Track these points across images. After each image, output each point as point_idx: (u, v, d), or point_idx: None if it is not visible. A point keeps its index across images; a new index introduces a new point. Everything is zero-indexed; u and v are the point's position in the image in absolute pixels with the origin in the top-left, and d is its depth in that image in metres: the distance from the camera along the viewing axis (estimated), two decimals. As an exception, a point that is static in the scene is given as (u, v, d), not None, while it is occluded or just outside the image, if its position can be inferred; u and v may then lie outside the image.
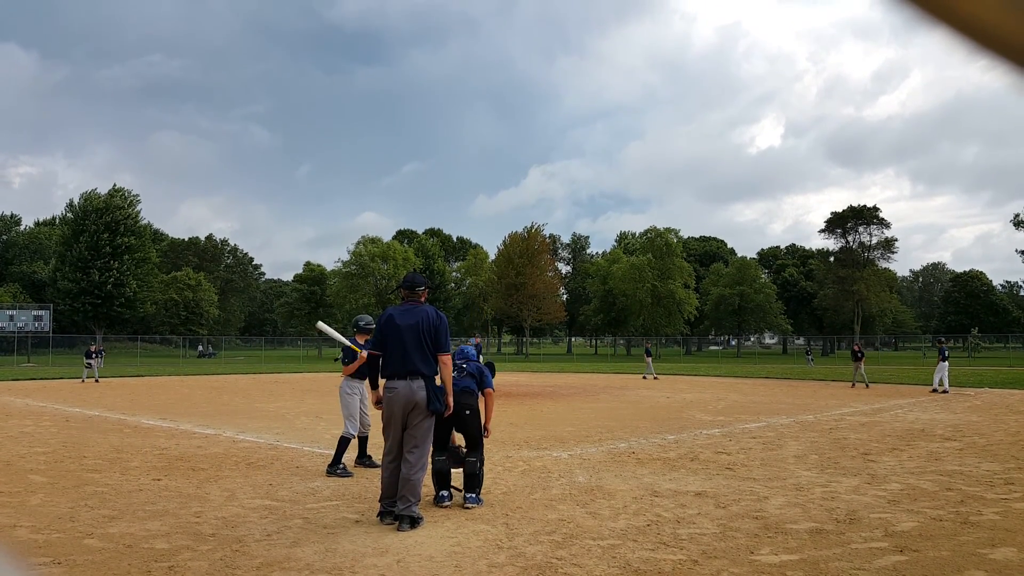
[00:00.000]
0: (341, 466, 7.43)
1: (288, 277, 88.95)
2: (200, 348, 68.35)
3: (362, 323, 8.07)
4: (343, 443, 7.56)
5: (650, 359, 29.43)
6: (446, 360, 5.66)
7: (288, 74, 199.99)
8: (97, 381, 24.55)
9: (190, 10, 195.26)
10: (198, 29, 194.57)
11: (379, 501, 5.62)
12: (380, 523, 5.41)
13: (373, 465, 7.76)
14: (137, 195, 62.16)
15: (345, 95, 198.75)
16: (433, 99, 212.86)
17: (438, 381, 5.70)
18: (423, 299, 5.85)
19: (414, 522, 5.27)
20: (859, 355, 22.47)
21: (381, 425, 5.71)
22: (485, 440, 6.37)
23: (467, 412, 6.11)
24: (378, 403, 5.83)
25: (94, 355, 25.15)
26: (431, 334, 5.57)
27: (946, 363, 19.51)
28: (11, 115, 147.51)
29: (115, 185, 61.37)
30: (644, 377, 28.04)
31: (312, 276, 74.43)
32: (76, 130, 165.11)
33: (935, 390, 19.34)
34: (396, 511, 5.34)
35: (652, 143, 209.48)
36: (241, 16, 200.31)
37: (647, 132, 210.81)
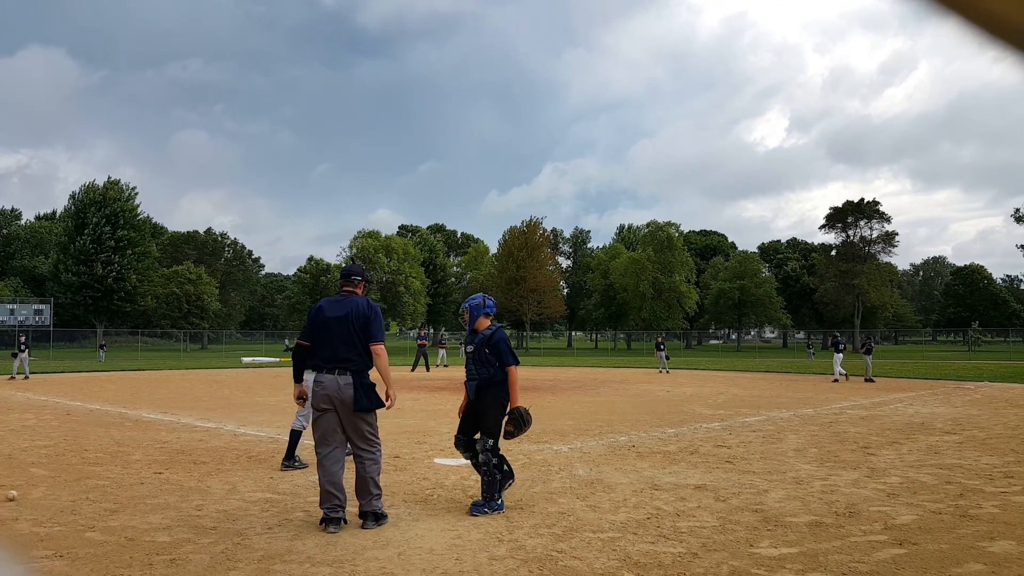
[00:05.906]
0: (296, 459, 7.39)
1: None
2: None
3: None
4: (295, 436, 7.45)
5: (662, 353, 28.77)
6: (379, 351, 5.24)
7: (313, 78, 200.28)
8: (27, 378, 22.48)
9: (219, 18, 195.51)
10: (231, 35, 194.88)
11: (320, 507, 5.07)
12: (324, 530, 4.93)
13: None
14: (135, 188, 62.22)
15: (362, 96, 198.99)
16: (446, 97, 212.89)
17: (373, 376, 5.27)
18: (359, 290, 5.52)
19: (379, 518, 5.09)
20: (869, 349, 22.47)
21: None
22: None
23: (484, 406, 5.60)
24: (299, 398, 5.48)
25: (23, 347, 22.60)
26: (362, 325, 5.21)
27: (840, 355, 21.59)
28: (31, 114, 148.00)
29: (110, 177, 61.39)
30: (660, 372, 27.77)
31: (315, 269, 74.52)
32: (81, 126, 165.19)
33: (836, 380, 21.27)
34: (360, 509, 5.11)
35: (659, 140, 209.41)
36: (272, 24, 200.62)
37: (654, 129, 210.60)
